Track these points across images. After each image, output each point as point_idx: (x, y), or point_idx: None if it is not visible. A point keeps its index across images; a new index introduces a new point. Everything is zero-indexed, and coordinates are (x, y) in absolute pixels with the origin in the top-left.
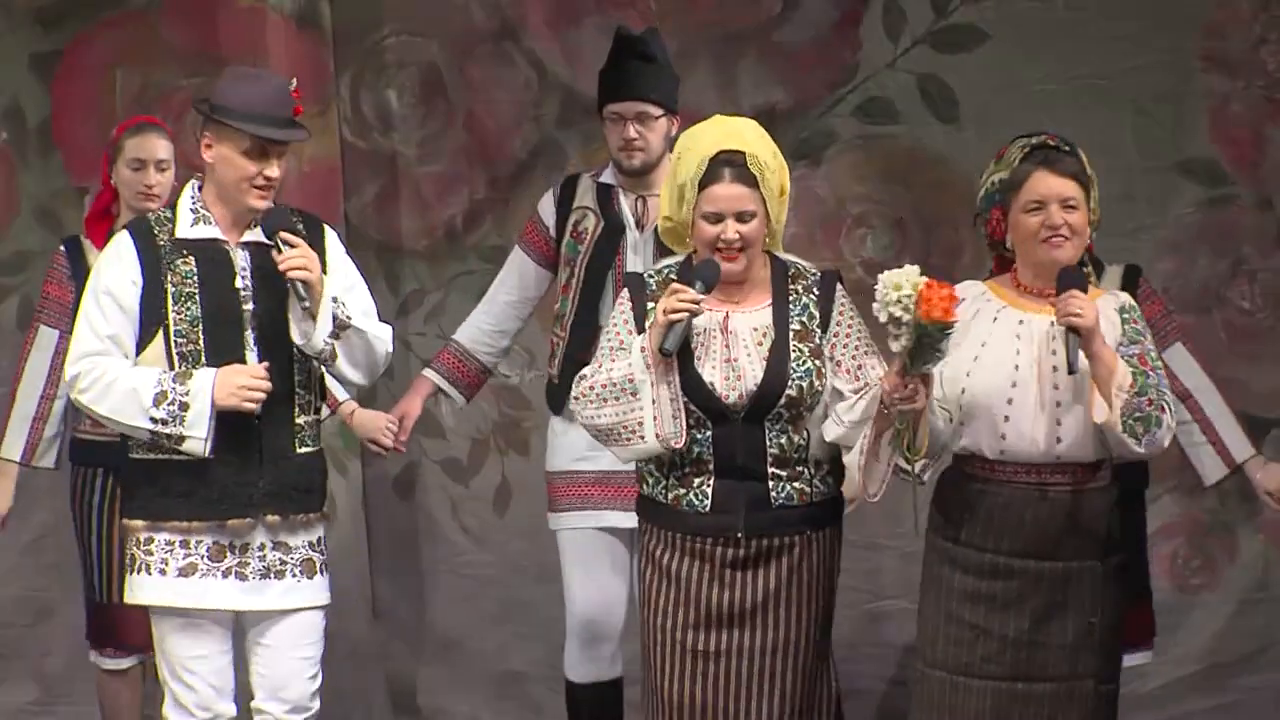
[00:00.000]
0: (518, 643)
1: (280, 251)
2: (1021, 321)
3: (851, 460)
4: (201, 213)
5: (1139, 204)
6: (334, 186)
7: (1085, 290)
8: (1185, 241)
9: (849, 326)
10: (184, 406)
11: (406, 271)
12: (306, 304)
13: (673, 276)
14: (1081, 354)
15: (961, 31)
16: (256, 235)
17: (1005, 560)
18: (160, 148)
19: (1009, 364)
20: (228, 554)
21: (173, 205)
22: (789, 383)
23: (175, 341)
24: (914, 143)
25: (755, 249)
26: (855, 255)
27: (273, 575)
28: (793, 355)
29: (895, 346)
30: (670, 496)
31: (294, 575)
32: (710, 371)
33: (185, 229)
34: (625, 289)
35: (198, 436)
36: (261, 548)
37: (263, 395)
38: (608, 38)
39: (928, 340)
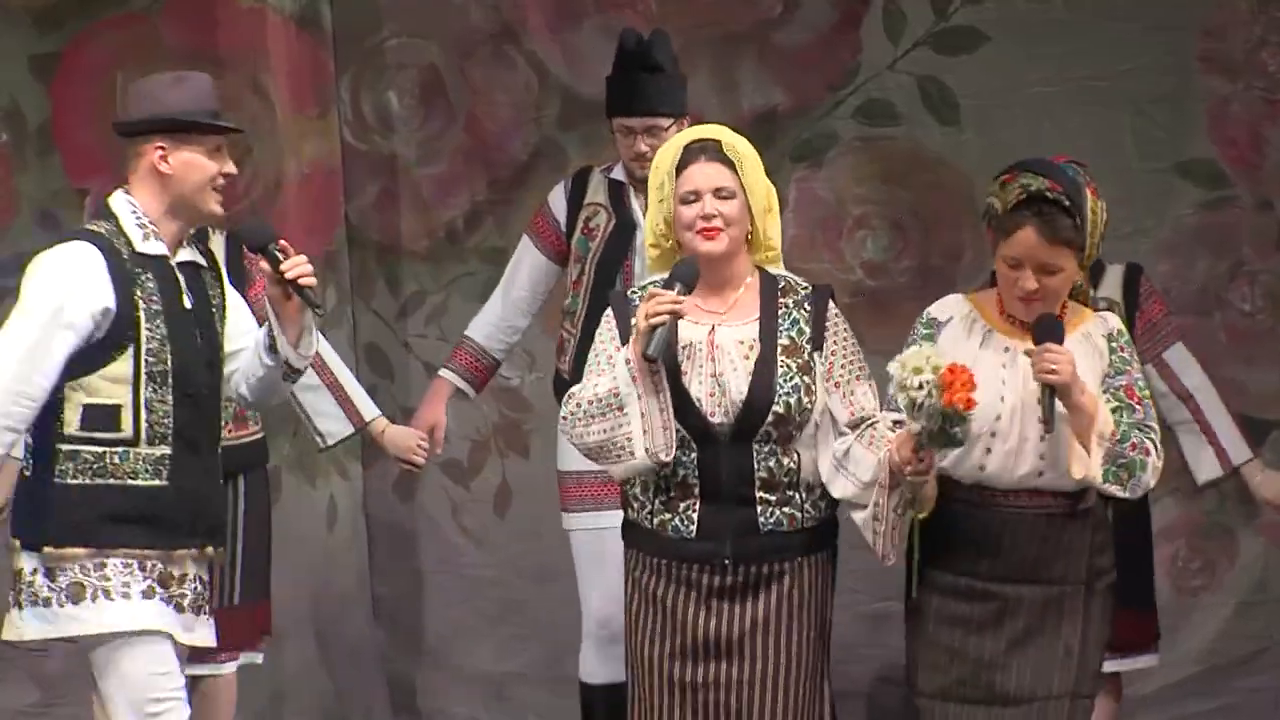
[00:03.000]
0: (517, 644)
1: (275, 261)
2: (1007, 350)
3: (865, 520)
4: (149, 228)
5: (1138, 205)
6: (334, 188)
7: (1061, 340)
8: (1184, 243)
9: (843, 346)
10: None
11: (407, 273)
12: (321, 310)
13: (657, 291)
14: (1060, 405)
15: (962, 33)
16: (187, 255)
17: (983, 584)
18: None
19: (995, 396)
20: (172, 583)
21: (108, 219)
22: (776, 398)
23: (146, 360)
24: (914, 144)
25: (737, 233)
26: (855, 257)
27: (201, 611)
28: (780, 370)
29: (914, 428)
30: (656, 521)
31: (208, 613)
32: (697, 387)
33: (140, 245)
34: (610, 309)
35: None
36: (194, 580)
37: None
38: (608, 39)
39: (948, 424)
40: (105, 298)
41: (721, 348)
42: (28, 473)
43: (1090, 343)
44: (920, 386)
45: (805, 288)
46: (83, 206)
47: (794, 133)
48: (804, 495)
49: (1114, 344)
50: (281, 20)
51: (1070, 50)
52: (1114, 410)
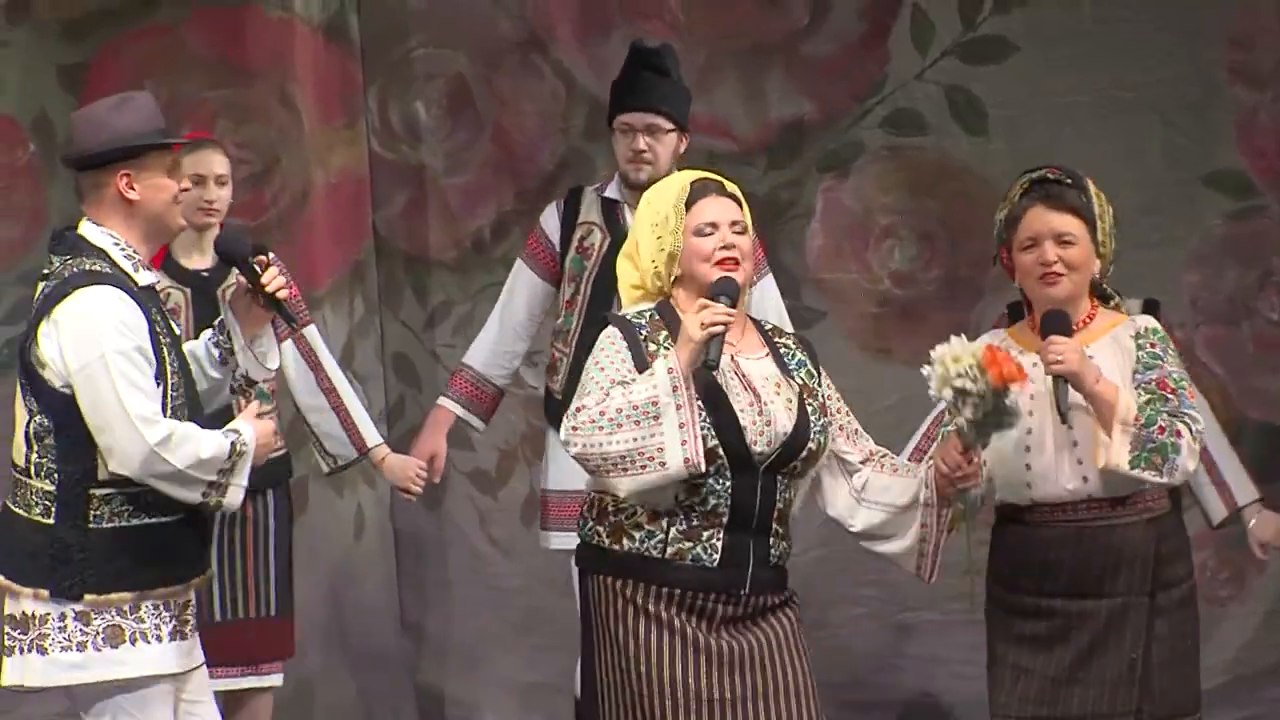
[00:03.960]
0: (544, 654)
1: (254, 275)
2: (1035, 365)
3: (902, 548)
4: (136, 258)
5: (1166, 216)
6: (362, 198)
7: (1068, 332)
8: (1213, 254)
9: (835, 391)
10: (241, 455)
11: (434, 283)
12: (295, 325)
13: (658, 319)
14: (1076, 396)
15: (990, 43)
16: (156, 278)
17: (1047, 602)
18: (218, 162)
19: (1024, 414)
20: (187, 615)
21: (98, 255)
22: (811, 436)
23: (171, 395)
24: (942, 154)
25: (749, 267)
26: (883, 267)
27: (195, 635)
28: (809, 408)
29: (961, 421)
30: (671, 551)
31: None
32: (741, 414)
33: (137, 278)
34: (615, 329)
35: (240, 485)
36: (188, 605)
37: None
38: None
39: (1000, 405)
40: (146, 333)
41: (751, 377)
42: (47, 519)
43: (1117, 344)
44: (964, 374)
45: (789, 332)
46: None
47: (821, 143)
48: (789, 528)
49: (1141, 341)
50: (309, 30)
51: (1097, 60)
52: (1146, 402)
